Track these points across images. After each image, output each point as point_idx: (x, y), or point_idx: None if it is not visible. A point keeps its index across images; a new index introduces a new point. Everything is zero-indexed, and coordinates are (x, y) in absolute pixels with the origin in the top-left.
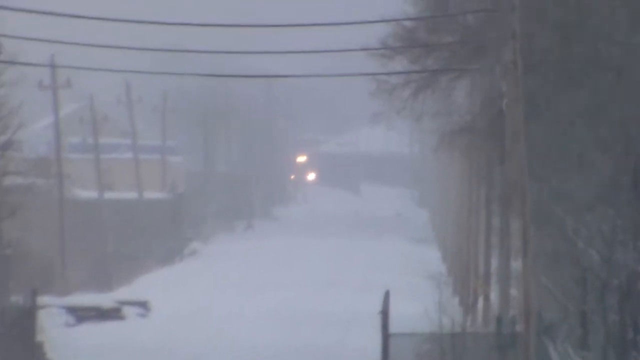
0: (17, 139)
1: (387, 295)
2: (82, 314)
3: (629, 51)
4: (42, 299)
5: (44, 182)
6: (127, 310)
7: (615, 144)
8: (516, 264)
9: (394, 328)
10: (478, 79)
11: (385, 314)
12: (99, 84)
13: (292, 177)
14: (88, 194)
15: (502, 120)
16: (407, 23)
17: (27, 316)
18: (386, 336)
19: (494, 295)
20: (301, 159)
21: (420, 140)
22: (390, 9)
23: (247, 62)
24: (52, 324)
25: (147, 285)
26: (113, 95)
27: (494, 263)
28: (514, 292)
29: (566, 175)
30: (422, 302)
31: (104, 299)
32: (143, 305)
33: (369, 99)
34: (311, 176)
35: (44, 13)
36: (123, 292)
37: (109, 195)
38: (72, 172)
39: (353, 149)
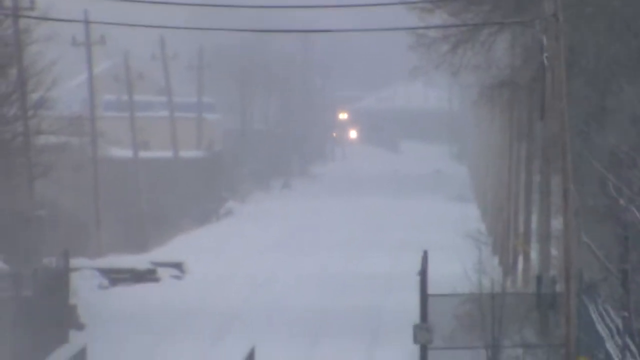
0: (50, 97)
1: (425, 256)
2: (116, 276)
3: None
4: (76, 261)
5: (78, 141)
6: (162, 272)
7: None
8: (556, 223)
9: (432, 288)
10: (518, 32)
11: (423, 274)
12: (134, 40)
13: (334, 134)
14: (123, 152)
15: (543, 75)
16: None
17: (60, 278)
18: (425, 297)
19: (534, 255)
20: (343, 116)
21: (460, 96)
22: None
23: (284, 17)
24: (85, 286)
25: (182, 246)
26: (148, 52)
27: (534, 221)
28: (554, 251)
29: (608, 131)
30: (462, 262)
31: (139, 261)
32: (178, 266)
33: (407, 53)
34: (353, 134)
35: None
36: (158, 254)
37: (143, 154)
38: (106, 130)
39: (391, 104)
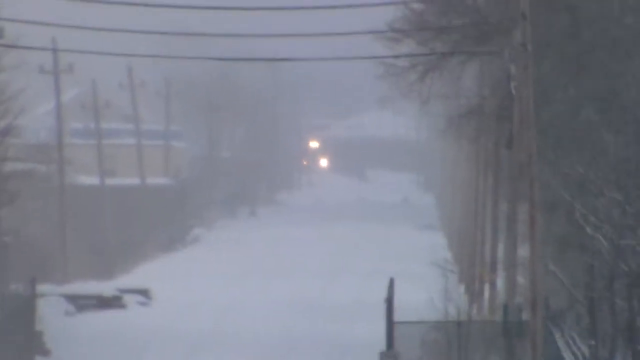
0: (17, 125)
1: (391, 283)
2: (82, 303)
3: (638, 34)
4: (42, 288)
5: (45, 168)
6: (128, 299)
7: (625, 128)
8: (523, 251)
9: (399, 316)
10: (487, 62)
11: (389, 302)
12: (101, 68)
13: (305, 162)
14: (90, 180)
15: (511, 104)
16: (415, 5)
17: (27, 305)
18: (391, 324)
19: (500, 283)
20: (314, 144)
21: (428, 125)
22: None
23: (252, 46)
24: (51, 312)
25: (149, 273)
26: (115, 80)
27: (501, 250)
28: (520, 279)
29: (575, 160)
30: (428, 290)
31: (105, 288)
32: (144, 293)
33: (375, 82)
34: (324, 162)
35: None
36: (124, 280)
37: (110, 181)
38: (73, 158)
39: (360, 133)
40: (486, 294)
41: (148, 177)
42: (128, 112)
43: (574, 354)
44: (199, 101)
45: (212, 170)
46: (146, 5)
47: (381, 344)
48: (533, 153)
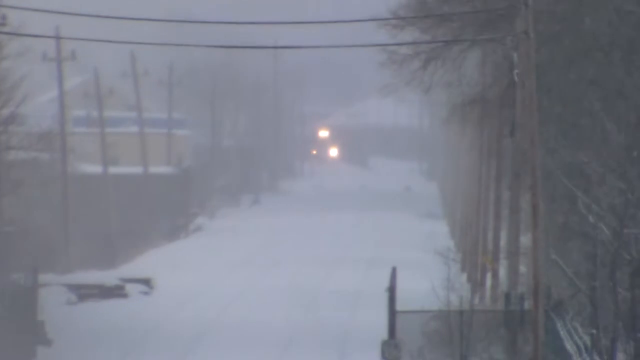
0: (20, 113)
1: (394, 272)
2: (84, 292)
3: None
4: (44, 277)
5: (48, 156)
6: (130, 288)
7: (627, 117)
8: (525, 239)
9: (401, 305)
10: (489, 49)
11: (392, 291)
12: (105, 56)
13: (314, 152)
14: (93, 168)
15: (513, 92)
16: None
17: (28, 294)
18: (393, 313)
19: (502, 272)
20: (323, 133)
21: (430, 113)
22: None
23: (255, 33)
24: (53, 302)
25: (151, 262)
26: (119, 68)
27: (503, 238)
28: (522, 268)
29: (577, 148)
30: (430, 279)
31: (107, 277)
32: (146, 282)
33: (378, 70)
34: (334, 152)
35: None
36: (126, 270)
37: (114, 169)
38: (76, 146)
39: (362, 121)
40: (488, 282)
41: (151, 165)
42: (131, 101)
43: (575, 343)
44: (201, 89)
45: (215, 158)
46: None
47: (383, 332)
48: (535, 141)
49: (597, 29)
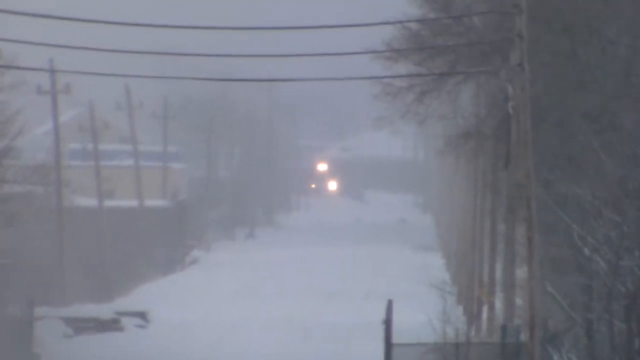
0: (15, 146)
1: (390, 305)
2: (80, 325)
3: (635, 54)
4: (40, 310)
5: (43, 189)
6: (126, 321)
7: (622, 149)
8: (521, 272)
9: (397, 338)
10: (484, 82)
11: (388, 323)
12: (99, 89)
13: (313, 186)
14: (88, 202)
15: (508, 124)
16: (412, 25)
17: (24, 327)
18: (389, 346)
19: (498, 304)
20: (322, 167)
21: (425, 145)
22: (395, 11)
23: (249, 66)
24: (49, 335)
25: (147, 295)
26: (113, 101)
27: (499, 271)
28: (518, 300)
29: (573, 181)
30: (426, 311)
31: (103, 310)
32: (142, 315)
33: (371, 102)
34: (332, 185)
35: (43, 16)
36: (122, 303)
37: (109, 203)
38: (71, 179)
39: (357, 153)
40: (484, 315)
41: (146, 198)
42: (126, 133)
43: None
44: (196, 122)
45: (210, 191)
46: (142, 25)
47: None
48: (530, 173)
49: (592, 61)
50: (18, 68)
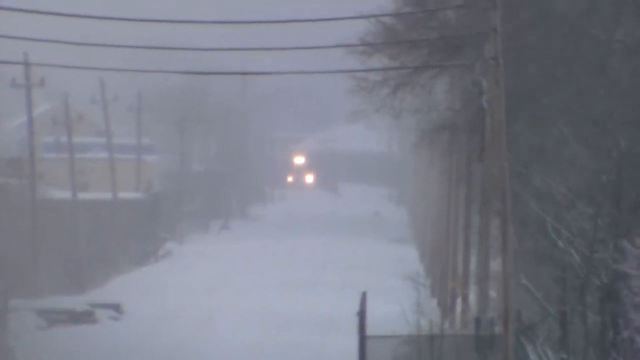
0: None
1: (364, 297)
2: (54, 317)
3: (610, 48)
4: (13, 302)
5: (17, 182)
6: (100, 314)
7: (596, 142)
8: (495, 264)
9: (371, 330)
10: (458, 76)
11: (362, 315)
12: (74, 82)
13: (290, 179)
14: (62, 194)
15: (482, 118)
16: (386, 20)
17: None
18: (363, 338)
19: (472, 296)
20: (299, 159)
21: (400, 139)
22: (370, 6)
23: (223, 59)
24: (23, 327)
25: (121, 287)
26: (88, 94)
27: (473, 263)
28: (492, 292)
29: (547, 173)
30: (400, 303)
31: (76, 302)
32: (116, 308)
33: (347, 96)
34: (309, 178)
35: (18, 10)
36: (96, 295)
37: (83, 195)
38: (45, 172)
39: (331, 146)
40: (458, 307)
41: (120, 191)
42: (100, 126)
43: None
44: (171, 115)
45: (184, 183)
46: (117, 19)
47: (354, 357)
48: (505, 166)
49: (567, 55)
50: None
